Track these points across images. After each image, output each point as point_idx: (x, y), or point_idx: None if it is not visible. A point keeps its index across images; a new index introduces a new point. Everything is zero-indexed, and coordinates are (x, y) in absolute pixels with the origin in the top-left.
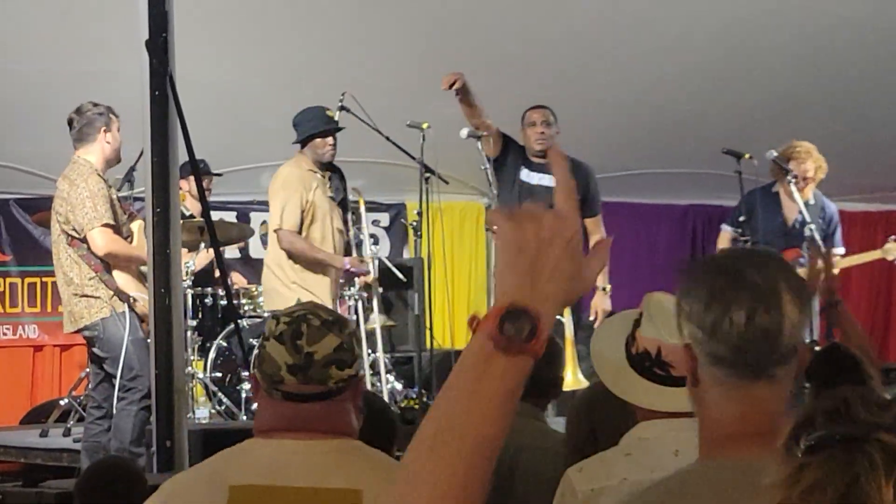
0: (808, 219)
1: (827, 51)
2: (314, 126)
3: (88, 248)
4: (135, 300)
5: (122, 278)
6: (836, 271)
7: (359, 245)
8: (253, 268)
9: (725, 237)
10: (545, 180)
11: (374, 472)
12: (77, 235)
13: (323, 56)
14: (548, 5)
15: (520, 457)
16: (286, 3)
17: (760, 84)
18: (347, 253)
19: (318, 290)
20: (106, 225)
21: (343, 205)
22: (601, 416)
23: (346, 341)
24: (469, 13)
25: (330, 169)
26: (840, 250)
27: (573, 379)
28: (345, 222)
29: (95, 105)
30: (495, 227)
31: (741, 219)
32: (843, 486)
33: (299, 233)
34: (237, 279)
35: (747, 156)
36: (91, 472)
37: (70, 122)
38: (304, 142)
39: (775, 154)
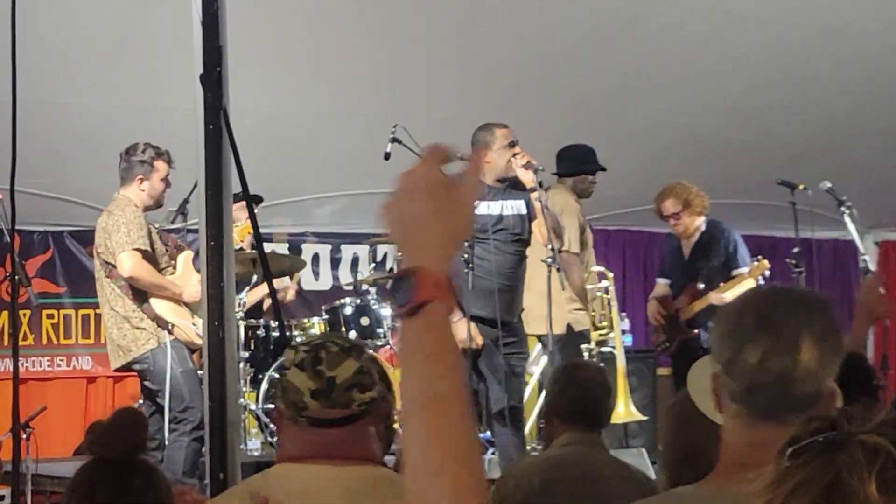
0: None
1: (881, 81)
2: (586, 162)
3: (124, 278)
4: (174, 326)
5: (160, 305)
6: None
7: None
8: (304, 299)
9: (659, 289)
10: (497, 208)
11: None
12: (113, 263)
13: (374, 88)
14: (596, 36)
15: (599, 486)
16: (338, 36)
17: (813, 114)
18: None
19: None
20: (137, 249)
21: None
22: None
23: (365, 365)
24: (518, 44)
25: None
26: (744, 269)
27: (625, 411)
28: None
29: (145, 150)
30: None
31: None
32: (825, 483)
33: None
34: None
35: (801, 186)
36: None
37: (119, 159)
38: (572, 174)
39: (829, 185)
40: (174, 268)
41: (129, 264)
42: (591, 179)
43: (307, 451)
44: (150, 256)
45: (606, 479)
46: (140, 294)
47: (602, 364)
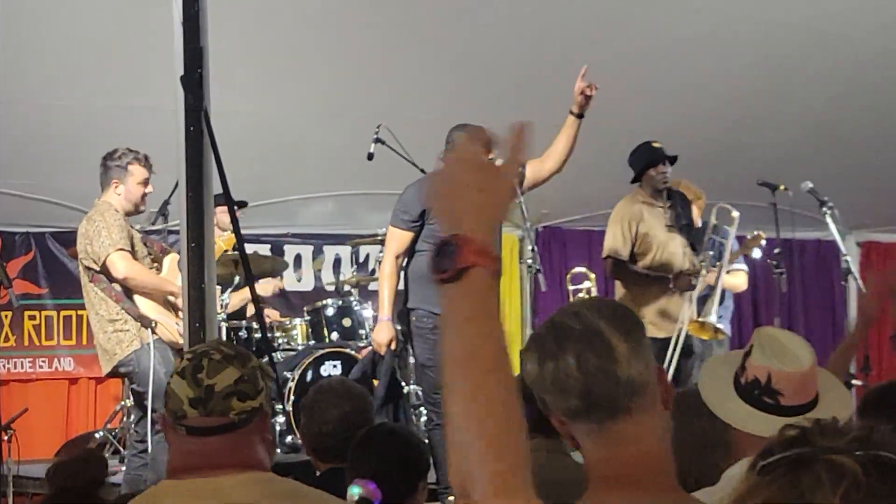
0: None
1: (864, 83)
2: (644, 158)
3: (108, 280)
4: (156, 323)
5: (144, 304)
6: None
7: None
8: (287, 301)
9: None
10: None
11: (281, 501)
12: (96, 268)
13: (358, 89)
14: (580, 38)
15: (558, 491)
16: (322, 37)
17: (795, 116)
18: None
19: None
20: (122, 250)
21: (687, 229)
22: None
23: (248, 374)
24: (501, 46)
25: (671, 197)
26: (742, 266)
27: None
28: (692, 245)
29: (123, 155)
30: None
31: None
32: (789, 503)
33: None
34: (270, 313)
35: (782, 187)
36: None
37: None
38: (638, 178)
39: (810, 185)
40: (158, 270)
41: (122, 265)
42: (657, 170)
43: (187, 462)
44: (133, 257)
45: (566, 485)
46: (124, 292)
47: None
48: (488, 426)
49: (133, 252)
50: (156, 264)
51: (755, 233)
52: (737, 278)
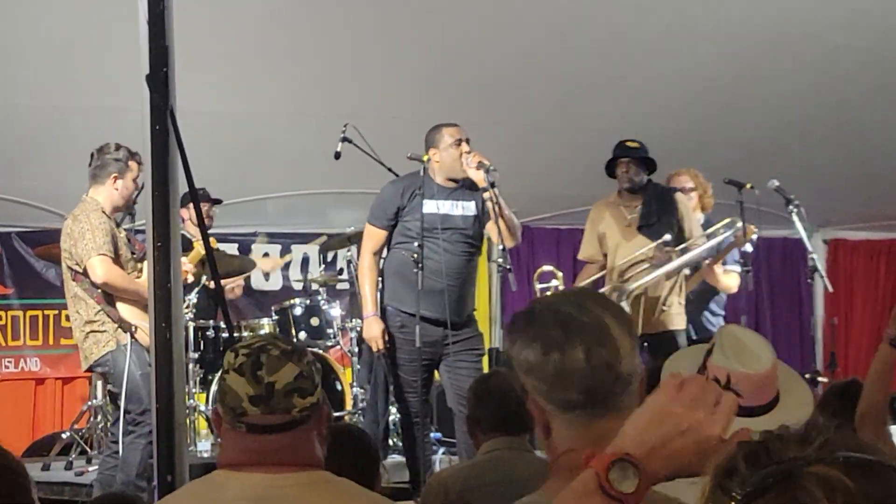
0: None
1: (830, 81)
2: (613, 156)
3: (90, 281)
4: (136, 328)
5: (124, 308)
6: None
7: None
8: (255, 300)
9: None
10: (446, 207)
11: (342, 503)
12: (78, 269)
13: (325, 88)
14: (549, 34)
15: (516, 487)
16: (289, 36)
17: (763, 114)
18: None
19: None
20: (104, 255)
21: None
22: None
23: (306, 370)
24: (469, 43)
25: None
26: (735, 267)
27: None
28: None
29: (118, 149)
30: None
31: None
32: None
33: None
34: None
35: (749, 185)
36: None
37: (90, 158)
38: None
39: (777, 183)
40: (140, 272)
41: (102, 270)
42: (619, 169)
43: (245, 458)
44: (116, 262)
45: (525, 480)
46: (106, 296)
47: None
48: None
49: (117, 255)
50: (140, 265)
51: (747, 226)
52: (729, 278)
